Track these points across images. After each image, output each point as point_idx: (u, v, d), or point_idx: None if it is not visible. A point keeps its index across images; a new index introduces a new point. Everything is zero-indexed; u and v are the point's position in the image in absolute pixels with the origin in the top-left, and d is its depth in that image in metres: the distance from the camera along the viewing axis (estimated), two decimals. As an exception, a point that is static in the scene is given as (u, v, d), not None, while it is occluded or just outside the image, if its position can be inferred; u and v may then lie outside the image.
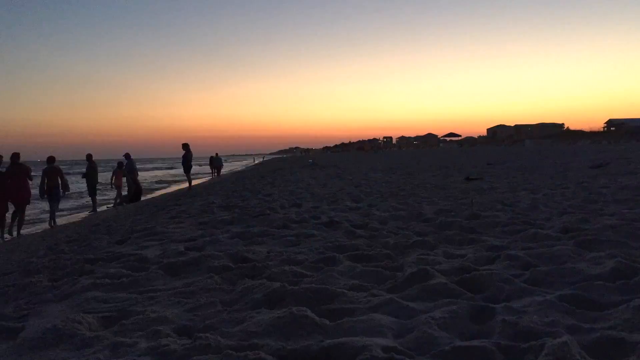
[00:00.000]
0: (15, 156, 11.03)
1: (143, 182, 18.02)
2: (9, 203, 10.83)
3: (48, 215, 12.66)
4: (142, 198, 17.84)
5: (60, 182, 12.50)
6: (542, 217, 6.16)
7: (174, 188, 25.34)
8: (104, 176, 22.16)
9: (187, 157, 17.88)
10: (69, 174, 19.45)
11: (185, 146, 17.87)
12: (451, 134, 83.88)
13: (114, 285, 3.78)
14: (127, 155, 17.57)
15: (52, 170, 12.53)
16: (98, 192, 16.32)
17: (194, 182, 19.94)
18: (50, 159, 12.64)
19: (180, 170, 22.23)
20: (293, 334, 2.55)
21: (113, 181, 17.11)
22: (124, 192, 17.46)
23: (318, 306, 2.97)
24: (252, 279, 3.72)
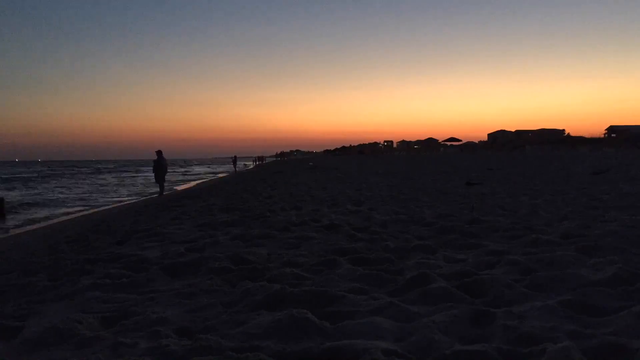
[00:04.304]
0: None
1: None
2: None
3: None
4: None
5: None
6: (542, 222, 6.16)
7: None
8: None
9: (162, 164, 18.34)
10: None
11: (159, 153, 18.39)
12: (452, 139, 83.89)
13: (114, 286, 3.77)
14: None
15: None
16: None
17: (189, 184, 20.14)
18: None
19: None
20: (293, 336, 2.55)
21: None
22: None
23: (318, 309, 2.97)
24: (252, 280, 3.71)
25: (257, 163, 74.78)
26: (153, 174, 18.70)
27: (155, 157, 18.38)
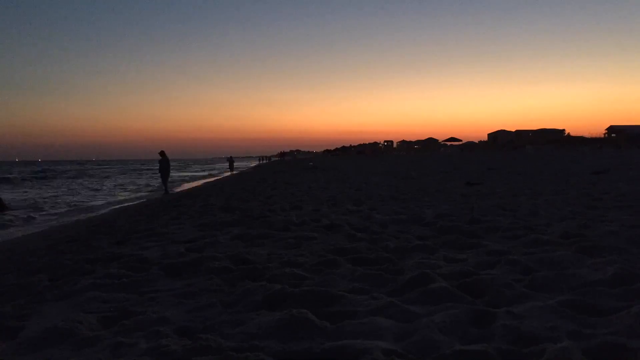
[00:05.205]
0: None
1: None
2: None
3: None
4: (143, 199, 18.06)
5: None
6: (542, 222, 6.15)
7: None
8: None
9: (165, 163, 18.75)
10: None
11: (163, 153, 18.77)
12: (452, 139, 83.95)
13: (114, 286, 3.77)
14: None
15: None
16: None
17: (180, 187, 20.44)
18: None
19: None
20: (293, 336, 2.55)
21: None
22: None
23: (319, 309, 2.97)
24: (252, 280, 3.72)
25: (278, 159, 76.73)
26: (160, 174, 19.45)
27: (160, 158, 18.90)
